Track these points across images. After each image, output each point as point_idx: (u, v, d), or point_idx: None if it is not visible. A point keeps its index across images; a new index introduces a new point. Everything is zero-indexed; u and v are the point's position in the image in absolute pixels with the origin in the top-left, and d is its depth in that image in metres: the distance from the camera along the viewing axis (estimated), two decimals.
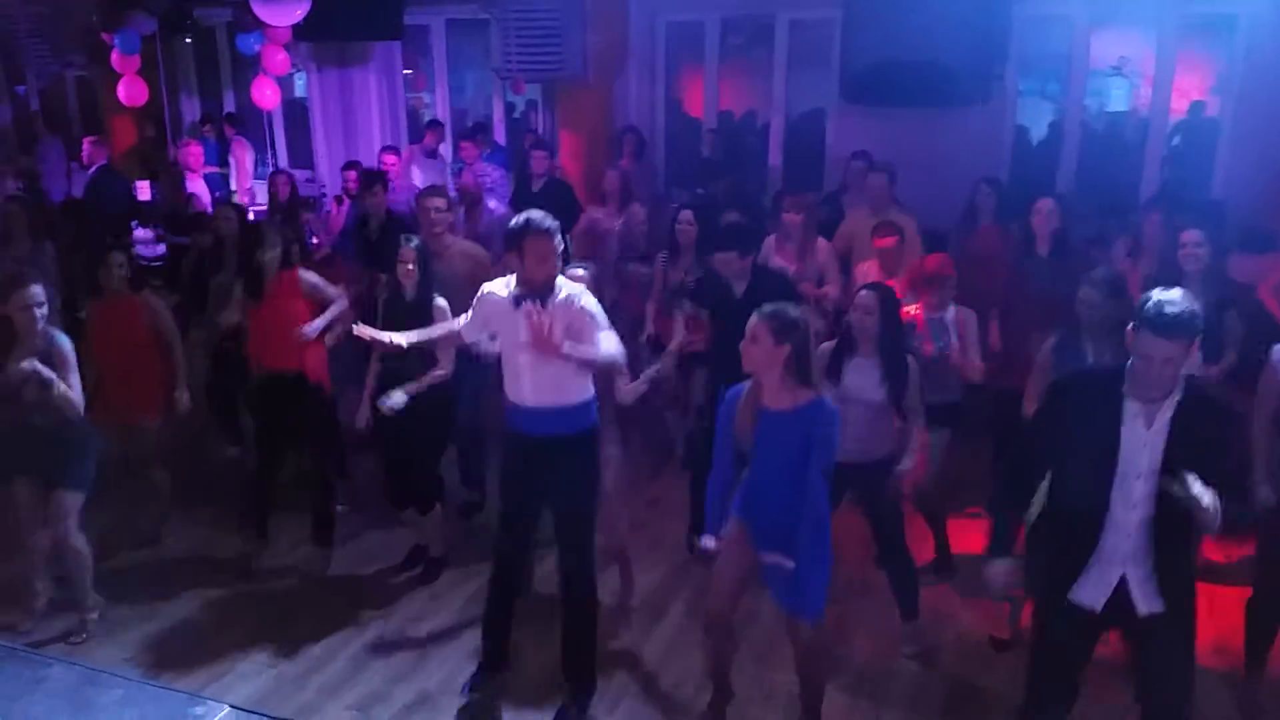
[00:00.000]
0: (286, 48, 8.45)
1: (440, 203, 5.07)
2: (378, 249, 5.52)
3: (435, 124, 8.86)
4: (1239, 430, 3.36)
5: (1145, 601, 2.86)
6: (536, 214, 3.49)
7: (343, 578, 4.89)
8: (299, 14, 7.63)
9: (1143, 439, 2.77)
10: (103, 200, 8.18)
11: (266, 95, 8.61)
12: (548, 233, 3.43)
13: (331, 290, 4.87)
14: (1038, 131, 8.69)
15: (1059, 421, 2.92)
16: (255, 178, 9.43)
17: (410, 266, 4.40)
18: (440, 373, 4.47)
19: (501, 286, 3.61)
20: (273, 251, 4.70)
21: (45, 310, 3.99)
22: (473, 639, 4.12)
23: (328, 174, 9.20)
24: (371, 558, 5.05)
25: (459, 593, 4.71)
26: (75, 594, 4.30)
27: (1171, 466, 2.71)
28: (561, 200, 6.55)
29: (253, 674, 4.10)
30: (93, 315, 4.90)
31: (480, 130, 8.81)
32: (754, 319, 3.27)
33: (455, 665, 4.13)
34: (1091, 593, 2.90)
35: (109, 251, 4.82)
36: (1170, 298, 2.67)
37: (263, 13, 7.62)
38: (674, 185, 8.34)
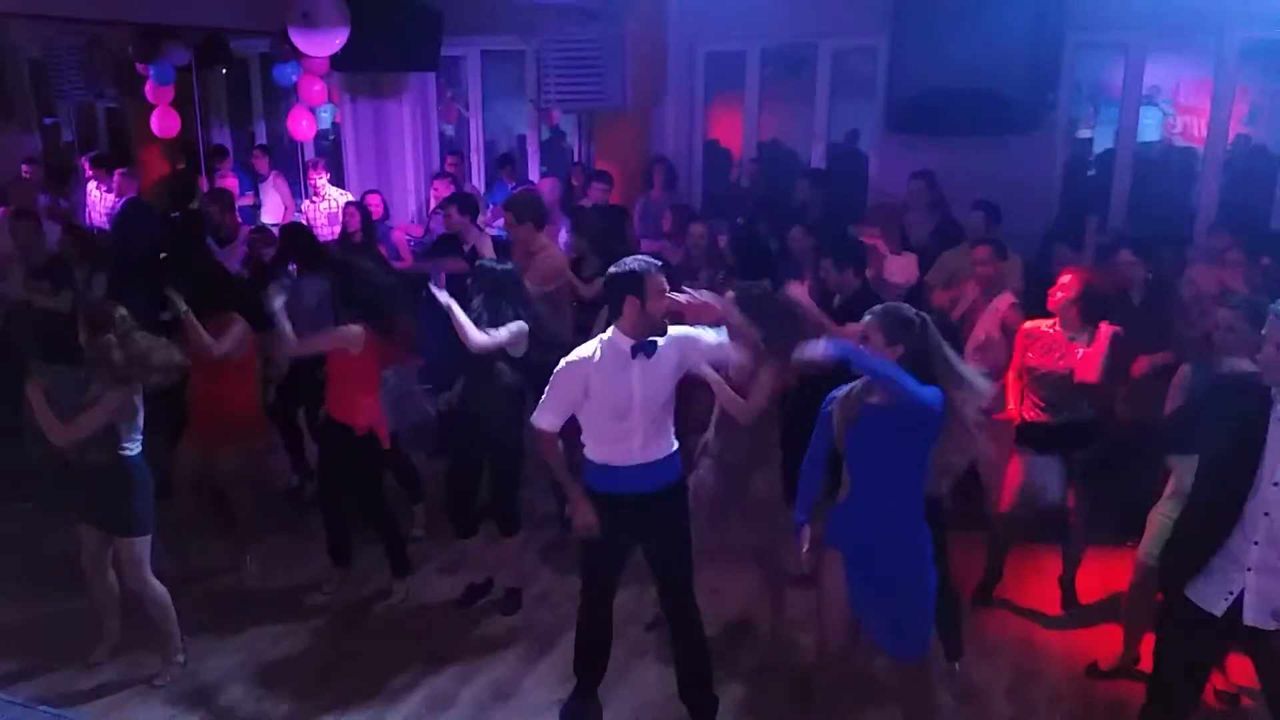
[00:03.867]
0: (322, 78, 8.40)
1: (509, 216, 5.32)
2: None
3: (455, 154, 8.81)
4: None
5: (1255, 613, 2.78)
6: (636, 259, 3.40)
7: (418, 610, 4.81)
8: (337, 44, 7.58)
9: None
10: (133, 231, 8.10)
11: (302, 126, 8.55)
12: (659, 268, 3.37)
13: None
14: (1088, 159, 8.55)
15: (1208, 414, 2.91)
16: (297, 210, 9.33)
17: None
18: None
19: (588, 351, 3.44)
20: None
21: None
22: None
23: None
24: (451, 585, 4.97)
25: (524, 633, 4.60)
26: (159, 639, 4.21)
27: None
28: (618, 230, 6.48)
29: None
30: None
31: (508, 162, 8.74)
32: (866, 318, 3.21)
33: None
34: (1212, 596, 2.83)
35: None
36: None
37: (301, 43, 7.57)
38: (711, 216, 8.21)
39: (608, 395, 3.40)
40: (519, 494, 4.76)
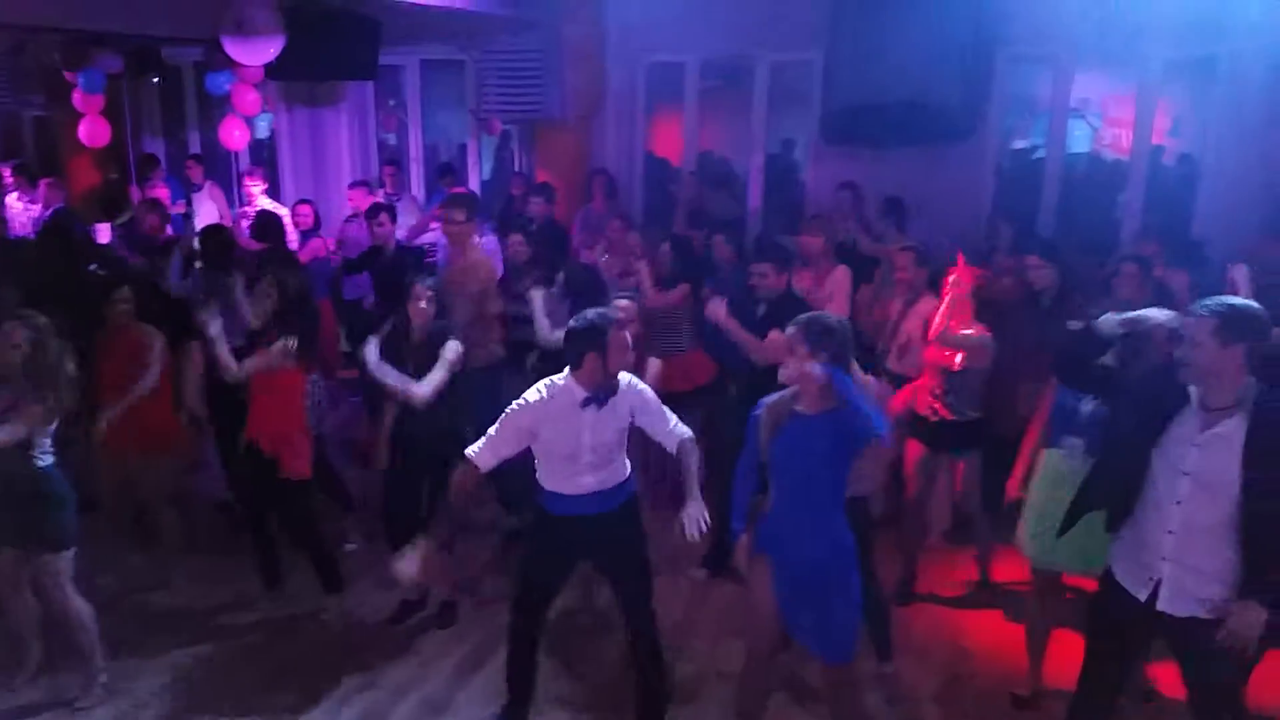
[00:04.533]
0: (257, 87, 8.26)
1: (460, 214, 5.39)
2: (391, 279, 5.73)
3: (392, 164, 8.75)
4: None
5: (1169, 602, 2.95)
6: (602, 311, 3.46)
7: (352, 626, 4.73)
8: (272, 53, 7.44)
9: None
10: (57, 242, 7.89)
11: (235, 136, 8.38)
12: (623, 323, 3.44)
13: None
14: (1018, 171, 8.73)
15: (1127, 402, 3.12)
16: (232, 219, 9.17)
17: (424, 305, 4.37)
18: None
19: (536, 396, 3.43)
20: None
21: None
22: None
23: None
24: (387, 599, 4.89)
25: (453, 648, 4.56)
26: (82, 655, 4.07)
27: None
28: (559, 243, 6.61)
29: None
30: (99, 348, 4.78)
31: (449, 171, 8.70)
32: (790, 328, 3.23)
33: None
34: (1135, 580, 3.02)
35: (117, 287, 4.74)
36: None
37: (234, 51, 7.44)
38: (651, 226, 8.24)
39: (558, 440, 3.44)
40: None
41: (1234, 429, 2.82)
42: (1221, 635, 2.85)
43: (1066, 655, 3.79)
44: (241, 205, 8.64)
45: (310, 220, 7.81)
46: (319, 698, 4.16)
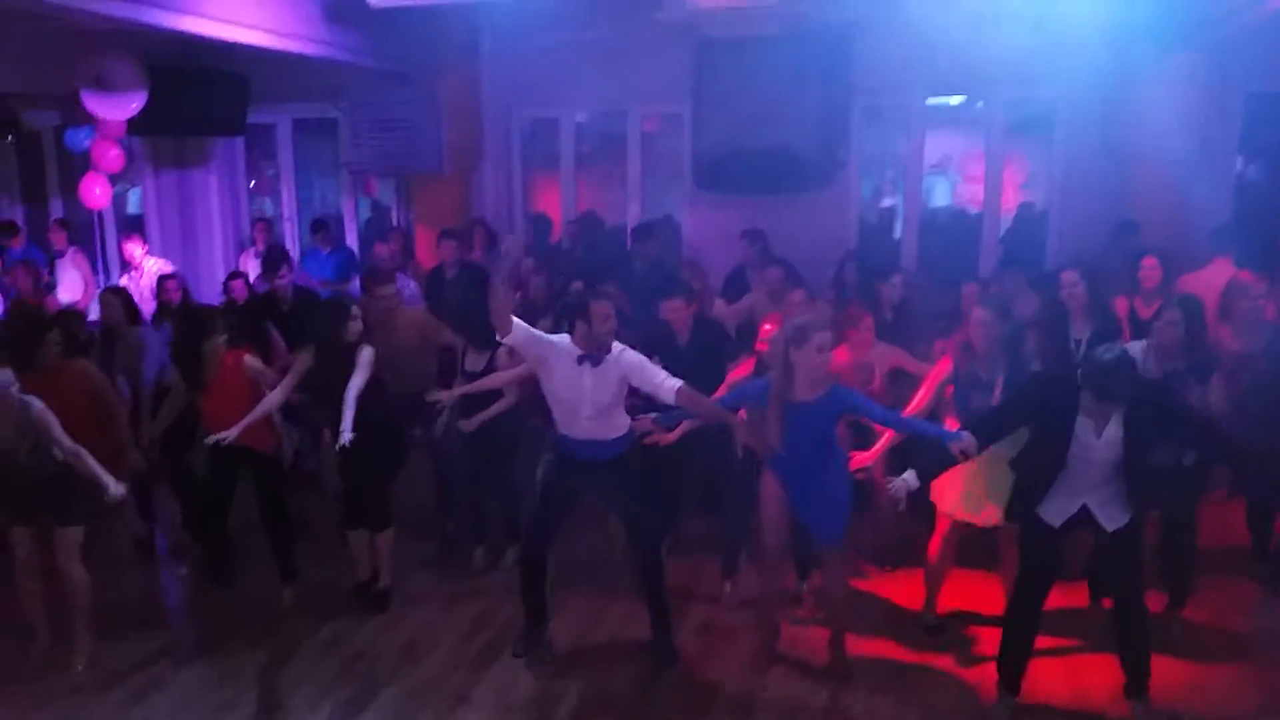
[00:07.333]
0: (120, 143, 8.05)
1: (389, 290, 5.70)
2: (294, 324, 6.03)
3: (262, 220, 8.63)
4: None
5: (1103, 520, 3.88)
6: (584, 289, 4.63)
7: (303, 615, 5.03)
8: (134, 108, 7.32)
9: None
10: None
11: (96, 194, 8.11)
12: (605, 295, 4.26)
13: (269, 376, 5.02)
14: (882, 223, 9.13)
15: (1029, 403, 4.03)
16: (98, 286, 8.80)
17: (360, 324, 4.90)
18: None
19: (561, 340, 4.23)
20: (219, 338, 4.89)
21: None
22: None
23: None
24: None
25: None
26: (74, 622, 4.58)
27: None
28: (481, 282, 6.44)
29: None
30: (29, 391, 4.62)
31: (322, 227, 8.59)
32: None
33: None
34: (1054, 514, 3.91)
35: (48, 329, 4.90)
36: None
37: (95, 107, 7.27)
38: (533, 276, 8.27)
39: (565, 388, 4.22)
40: (388, 496, 5.12)
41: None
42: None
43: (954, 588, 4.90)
44: (124, 271, 8.31)
45: (178, 296, 7.09)
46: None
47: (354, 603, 5.09)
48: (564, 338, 4.23)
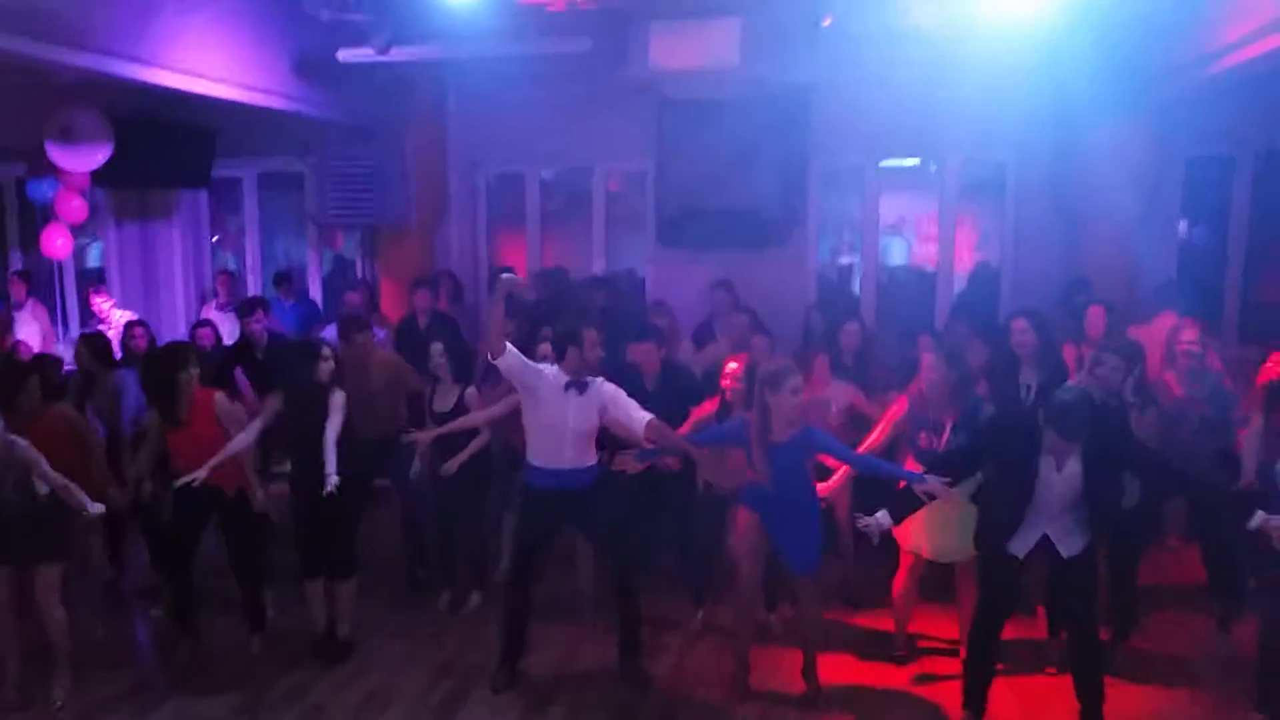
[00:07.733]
0: (83, 195, 8.03)
1: (366, 336, 5.77)
2: (268, 370, 5.99)
3: (224, 273, 8.60)
4: None
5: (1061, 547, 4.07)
6: (576, 321, 4.63)
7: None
8: (99, 159, 7.34)
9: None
10: None
11: (58, 245, 8.07)
12: (596, 326, 4.51)
13: (239, 416, 5.00)
14: (841, 280, 9.30)
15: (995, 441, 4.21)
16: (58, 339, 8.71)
17: (332, 364, 4.90)
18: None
19: (546, 368, 4.45)
20: (193, 370, 4.87)
21: None
22: None
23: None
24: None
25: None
26: (55, 660, 4.67)
27: None
28: (454, 332, 6.79)
29: None
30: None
31: (285, 279, 8.59)
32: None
33: None
34: (1019, 546, 4.09)
35: (28, 374, 4.87)
36: None
37: (59, 158, 7.28)
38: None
39: (547, 411, 4.42)
40: (352, 543, 5.07)
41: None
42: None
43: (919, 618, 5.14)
44: (96, 322, 8.21)
45: (144, 344, 6.88)
46: None
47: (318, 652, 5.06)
48: (550, 366, 4.47)
